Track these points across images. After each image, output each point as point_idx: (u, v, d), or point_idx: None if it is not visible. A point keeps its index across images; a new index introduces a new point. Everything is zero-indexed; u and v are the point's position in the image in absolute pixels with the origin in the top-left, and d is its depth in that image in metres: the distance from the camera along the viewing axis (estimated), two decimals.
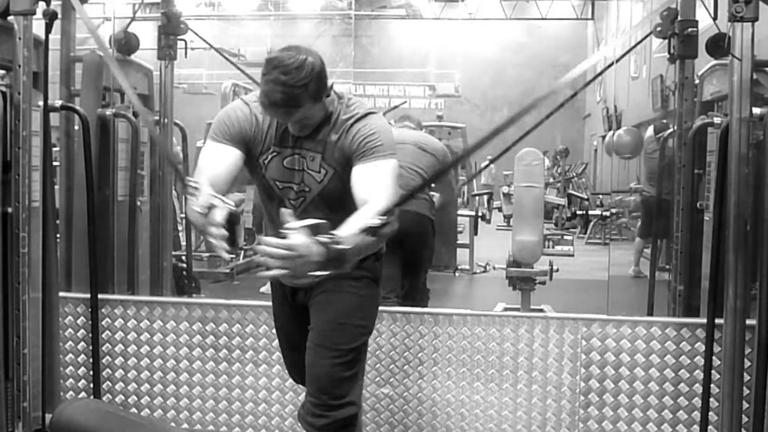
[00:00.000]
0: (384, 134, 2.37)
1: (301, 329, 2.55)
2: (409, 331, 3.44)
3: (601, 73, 2.94)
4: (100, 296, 3.51)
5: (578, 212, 7.58)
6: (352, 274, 2.37)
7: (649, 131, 7.75)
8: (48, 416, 3.04)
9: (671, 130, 4.21)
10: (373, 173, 2.31)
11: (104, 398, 3.54)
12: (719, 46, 3.26)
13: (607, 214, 7.82)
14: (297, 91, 2.20)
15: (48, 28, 2.76)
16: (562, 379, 3.35)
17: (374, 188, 2.27)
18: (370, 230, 2.00)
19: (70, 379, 3.64)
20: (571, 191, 10.89)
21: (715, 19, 3.38)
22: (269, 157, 2.44)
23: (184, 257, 5.73)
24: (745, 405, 2.95)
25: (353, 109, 2.41)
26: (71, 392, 3.62)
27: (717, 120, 3.56)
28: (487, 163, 8.26)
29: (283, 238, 1.85)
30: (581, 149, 17.87)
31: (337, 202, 2.41)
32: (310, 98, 2.24)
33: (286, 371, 2.86)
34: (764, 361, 2.79)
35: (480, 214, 8.34)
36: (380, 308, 3.56)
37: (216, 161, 2.40)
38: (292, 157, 2.42)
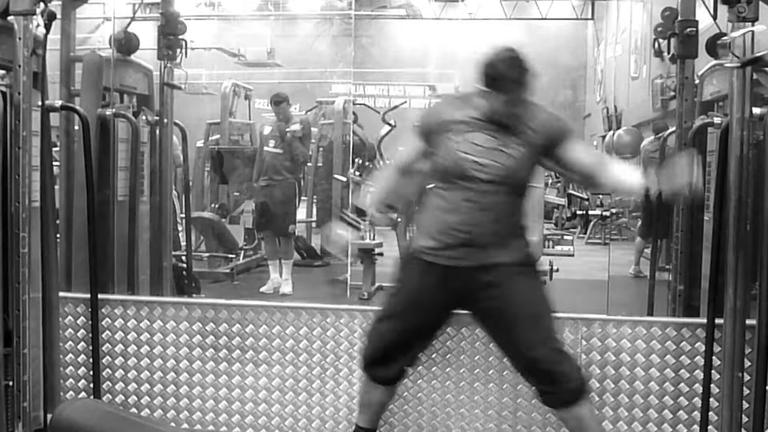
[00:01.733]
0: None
1: (442, 312, 2.93)
2: None
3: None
4: (100, 296, 3.51)
5: (578, 212, 7.57)
6: (523, 270, 2.86)
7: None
8: (48, 416, 3.05)
9: (671, 130, 4.21)
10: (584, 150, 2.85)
11: (104, 398, 3.53)
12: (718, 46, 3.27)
13: (607, 214, 7.80)
14: (524, 66, 2.67)
15: (47, 29, 2.76)
16: None
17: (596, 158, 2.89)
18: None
19: (70, 379, 3.63)
20: (571, 191, 10.86)
21: (715, 19, 3.38)
22: (462, 132, 2.77)
23: (184, 257, 5.73)
24: (745, 405, 2.95)
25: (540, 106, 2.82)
26: (71, 392, 3.62)
27: (717, 120, 3.56)
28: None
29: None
30: None
31: (518, 186, 2.80)
32: (526, 81, 2.69)
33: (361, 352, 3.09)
34: (764, 361, 2.78)
35: None
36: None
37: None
38: (486, 136, 2.75)
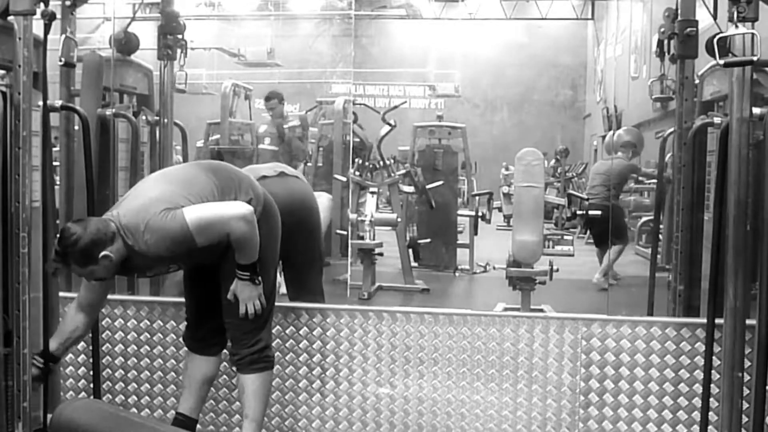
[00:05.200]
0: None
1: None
2: (409, 331, 3.44)
3: None
4: None
5: (578, 212, 7.57)
6: None
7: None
8: (48, 416, 3.04)
9: (671, 130, 4.21)
10: None
11: (104, 398, 3.54)
12: (719, 46, 3.26)
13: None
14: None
15: (47, 29, 2.76)
16: (562, 379, 3.35)
17: None
18: None
19: (70, 379, 3.64)
20: (571, 191, 10.88)
21: (715, 19, 3.38)
22: None
23: None
24: (745, 405, 2.95)
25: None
26: (71, 392, 3.62)
27: (717, 120, 3.56)
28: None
29: None
30: (581, 149, 17.84)
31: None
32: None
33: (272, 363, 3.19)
34: (764, 361, 2.78)
35: (480, 214, 8.34)
36: (380, 308, 3.59)
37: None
38: None
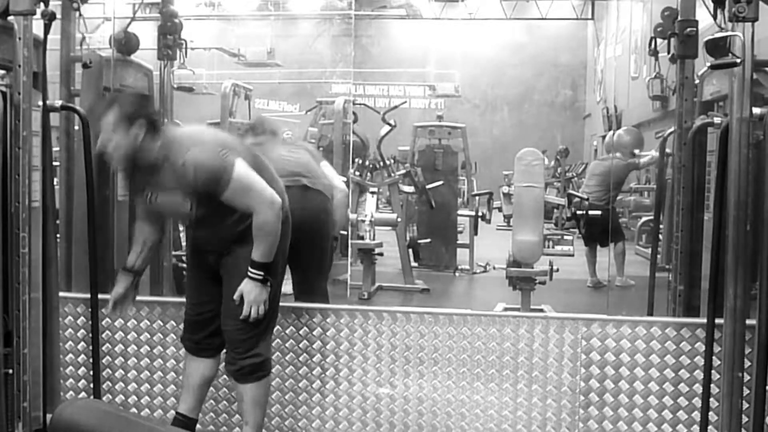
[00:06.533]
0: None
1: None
2: (410, 331, 3.44)
3: None
4: (100, 296, 3.49)
5: (578, 212, 7.58)
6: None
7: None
8: (48, 416, 3.05)
9: (671, 130, 4.21)
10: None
11: (104, 398, 3.53)
12: (719, 46, 3.26)
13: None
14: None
15: (47, 29, 2.76)
16: (562, 379, 3.35)
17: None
18: None
19: (70, 379, 3.63)
20: (571, 191, 10.88)
21: (715, 18, 3.38)
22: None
23: (184, 257, 5.72)
24: (745, 405, 2.95)
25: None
26: (71, 392, 3.62)
27: (717, 120, 3.56)
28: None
29: None
30: (581, 149, 17.84)
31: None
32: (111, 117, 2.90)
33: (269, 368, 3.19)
34: (764, 361, 2.78)
35: (480, 214, 8.35)
36: (380, 308, 3.59)
37: None
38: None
